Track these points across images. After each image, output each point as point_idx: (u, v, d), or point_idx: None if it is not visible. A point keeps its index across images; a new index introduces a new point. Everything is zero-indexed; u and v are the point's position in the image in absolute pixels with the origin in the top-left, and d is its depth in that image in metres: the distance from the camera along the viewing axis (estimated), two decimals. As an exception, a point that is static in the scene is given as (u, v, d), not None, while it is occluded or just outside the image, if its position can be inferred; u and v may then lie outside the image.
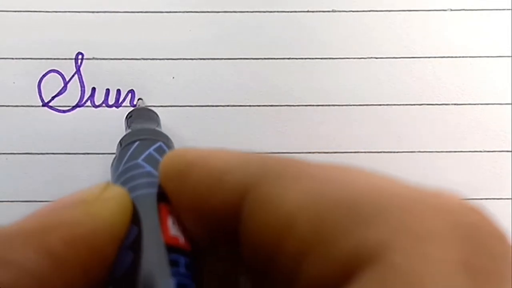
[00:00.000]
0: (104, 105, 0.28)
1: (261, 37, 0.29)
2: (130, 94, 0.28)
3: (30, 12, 0.29)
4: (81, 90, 0.28)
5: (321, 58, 0.28)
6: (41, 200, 0.27)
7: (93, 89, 0.28)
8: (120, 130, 0.27)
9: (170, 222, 0.15)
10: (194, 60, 0.28)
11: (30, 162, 0.27)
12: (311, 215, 0.11)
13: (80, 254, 0.13)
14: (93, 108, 0.28)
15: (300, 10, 0.29)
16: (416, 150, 0.28)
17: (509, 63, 0.29)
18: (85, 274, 0.13)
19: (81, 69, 0.28)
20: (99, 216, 0.14)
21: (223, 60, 0.28)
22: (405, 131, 0.28)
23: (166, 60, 0.28)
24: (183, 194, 0.14)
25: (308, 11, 0.29)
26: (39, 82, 0.28)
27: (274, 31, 0.29)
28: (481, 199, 0.27)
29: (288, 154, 0.27)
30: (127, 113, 0.25)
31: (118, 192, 0.15)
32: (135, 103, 0.28)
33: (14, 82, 0.28)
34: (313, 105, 0.28)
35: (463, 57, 0.29)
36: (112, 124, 0.28)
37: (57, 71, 0.28)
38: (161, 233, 0.14)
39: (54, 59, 0.28)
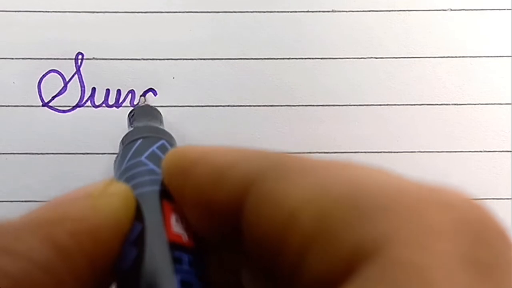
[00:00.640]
0: (104, 105, 0.28)
1: (261, 37, 0.29)
2: (130, 94, 0.28)
3: (30, 12, 0.29)
4: (81, 90, 0.28)
5: (321, 58, 0.28)
6: (41, 200, 0.27)
7: (93, 89, 0.28)
8: (120, 130, 0.27)
9: (173, 220, 0.15)
10: (194, 60, 0.28)
11: (30, 162, 0.27)
12: (314, 210, 0.12)
13: (85, 247, 0.13)
14: (93, 108, 0.28)
15: (300, 10, 0.29)
16: (416, 150, 0.28)
17: (509, 63, 0.29)
18: (90, 266, 0.13)
19: (81, 69, 0.28)
20: (104, 211, 0.14)
21: (223, 60, 0.28)
22: (405, 131, 0.28)
23: (166, 60, 0.28)
24: (186, 191, 0.15)
25: (308, 11, 0.29)
26: (39, 82, 0.28)
27: (274, 31, 0.29)
28: (481, 199, 0.27)
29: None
30: (129, 111, 0.25)
31: (122, 189, 0.15)
32: (135, 103, 0.28)
33: (14, 82, 0.28)
34: (313, 105, 0.28)
35: (463, 57, 0.29)
36: (112, 124, 0.28)
37: (57, 71, 0.28)
38: (164, 231, 0.14)
39: (54, 59, 0.28)
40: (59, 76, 0.28)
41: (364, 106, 0.28)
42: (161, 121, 0.25)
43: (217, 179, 0.14)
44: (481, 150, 0.28)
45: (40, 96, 0.28)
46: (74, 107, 0.28)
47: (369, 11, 0.29)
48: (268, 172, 0.13)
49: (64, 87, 0.28)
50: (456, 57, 0.29)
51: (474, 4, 0.29)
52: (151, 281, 0.13)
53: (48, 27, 0.28)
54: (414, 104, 0.28)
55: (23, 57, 0.28)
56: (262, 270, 0.13)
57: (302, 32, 0.29)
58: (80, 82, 0.28)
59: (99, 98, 0.28)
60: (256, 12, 0.29)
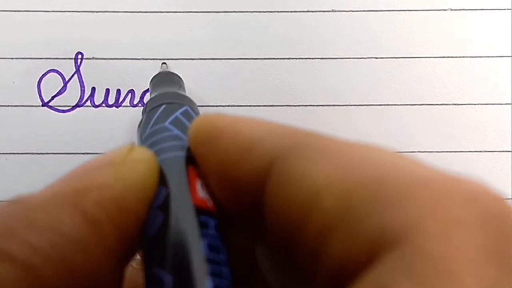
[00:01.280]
0: (104, 105, 0.28)
1: (261, 37, 0.29)
2: (130, 94, 0.28)
3: (30, 12, 0.29)
4: (81, 90, 0.28)
5: (321, 58, 0.28)
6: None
7: (93, 89, 0.28)
8: (120, 130, 0.27)
9: (198, 185, 0.15)
10: (194, 60, 0.28)
11: (30, 162, 0.27)
12: (337, 192, 0.11)
13: (113, 216, 0.13)
14: (93, 108, 0.28)
15: (300, 10, 0.29)
16: (416, 150, 0.28)
17: (509, 63, 0.29)
18: (117, 234, 0.13)
19: (81, 69, 0.28)
20: (128, 178, 0.14)
21: (223, 60, 0.28)
22: (405, 131, 0.28)
23: (166, 60, 0.28)
24: (211, 159, 0.14)
25: (308, 11, 0.29)
26: (39, 82, 0.28)
27: (274, 31, 0.29)
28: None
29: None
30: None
31: (145, 154, 0.15)
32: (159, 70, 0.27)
33: (14, 82, 0.28)
34: (313, 105, 0.28)
35: (463, 57, 0.29)
36: (112, 124, 0.28)
37: (57, 71, 0.28)
38: (190, 195, 0.14)
39: (54, 59, 0.28)
40: (59, 76, 0.28)
41: (364, 106, 0.28)
42: (182, 87, 0.25)
43: (243, 151, 0.14)
44: (481, 150, 0.28)
45: (40, 96, 0.28)
46: (74, 107, 0.28)
47: (369, 11, 0.29)
48: (293, 149, 0.13)
49: (64, 87, 0.28)
50: (456, 57, 0.29)
51: (474, 4, 0.29)
52: (178, 246, 0.13)
53: (48, 27, 0.28)
54: (414, 104, 0.28)
55: (23, 57, 0.28)
56: (281, 251, 0.13)
57: (302, 32, 0.29)
58: (80, 82, 0.28)
59: (99, 98, 0.28)
60: (256, 12, 0.29)
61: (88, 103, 0.28)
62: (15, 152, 0.27)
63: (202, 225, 0.14)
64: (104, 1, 0.29)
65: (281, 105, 0.28)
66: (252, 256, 0.15)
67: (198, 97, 0.28)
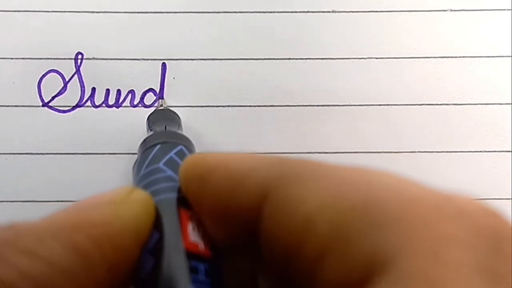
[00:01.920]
0: (104, 105, 0.28)
1: (261, 37, 0.29)
2: (130, 94, 0.28)
3: (30, 12, 0.29)
4: (81, 90, 0.28)
5: (321, 58, 0.28)
6: (41, 200, 0.27)
7: (93, 89, 0.28)
8: (120, 130, 0.27)
9: (190, 228, 0.15)
10: (194, 60, 0.28)
11: (30, 162, 0.27)
12: (329, 217, 0.12)
13: (106, 253, 0.13)
14: (93, 108, 0.28)
15: (300, 10, 0.29)
16: (416, 150, 0.28)
17: (509, 63, 0.29)
18: (109, 272, 0.13)
19: (81, 69, 0.28)
20: (125, 218, 0.14)
21: (223, 60, 0.28)
22: (405, 131, 0.28)
23: (166, 60, 0.28)
24: (204, 198, 0.15)
25: (308, 11, 0.29)
26: (39, 82, 0.28)
27: (274, 31, 0.29)
28: (481, 199, 0.27)
29: (288, 154, 0.27)
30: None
31: (144, 196, 0.15)
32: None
33: (14, 82, 0.28)
34: (313, 105, 0.28)
35: (463, 57, 0.29)
36: (112, 124, 0.28)
37: (57, 71, 0.28)
38: (181, 240, 0.14)
39: (54, 59, 0.28)
40: (59, 76, 0.28)
41: (364, 106, 0.28)
42: (179, 125, 0.25)
43: (235, 186, 0.14)
44: (481, 150, 0.28)
45: (40, 96, 0.28)
46: (74, 107, 0.28)
47: (369, 11, 0.29)
48: (284, 178, 0.13)
49: (64, 87, 0.28)
50: (456, 57, 0.29)
51: (474, 4, 0.29)
52: None
53: (48, 27, 0.28)
54: (414, 104, 0.28)
55: (23, 57, 0.28)
56: (279, 276, 0.13)
57: (302, 32, 0.29)
58: (80, 82, 0.28)
59: (99, 98, 0.28)
60: (256, 12, 0.29)
61: (88, 103, 0.28)
62: (15, 152, 0.27)
63: (193, 270, 0.14)
64: (104, 1, 0.29)
65: (281, 105, 0.28)
66: (255, 286, 0.16)
67: (198, 97, 0.28)
